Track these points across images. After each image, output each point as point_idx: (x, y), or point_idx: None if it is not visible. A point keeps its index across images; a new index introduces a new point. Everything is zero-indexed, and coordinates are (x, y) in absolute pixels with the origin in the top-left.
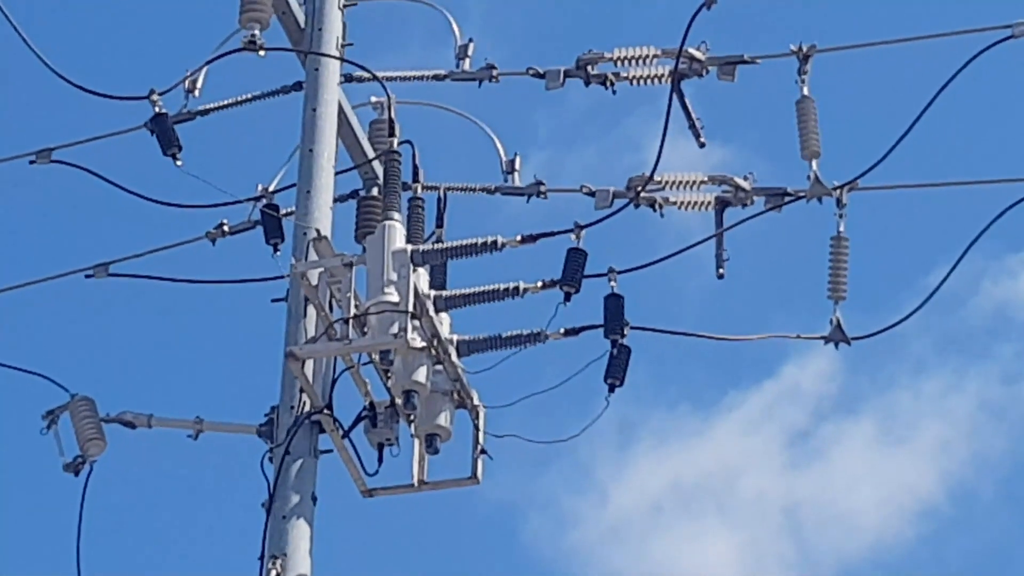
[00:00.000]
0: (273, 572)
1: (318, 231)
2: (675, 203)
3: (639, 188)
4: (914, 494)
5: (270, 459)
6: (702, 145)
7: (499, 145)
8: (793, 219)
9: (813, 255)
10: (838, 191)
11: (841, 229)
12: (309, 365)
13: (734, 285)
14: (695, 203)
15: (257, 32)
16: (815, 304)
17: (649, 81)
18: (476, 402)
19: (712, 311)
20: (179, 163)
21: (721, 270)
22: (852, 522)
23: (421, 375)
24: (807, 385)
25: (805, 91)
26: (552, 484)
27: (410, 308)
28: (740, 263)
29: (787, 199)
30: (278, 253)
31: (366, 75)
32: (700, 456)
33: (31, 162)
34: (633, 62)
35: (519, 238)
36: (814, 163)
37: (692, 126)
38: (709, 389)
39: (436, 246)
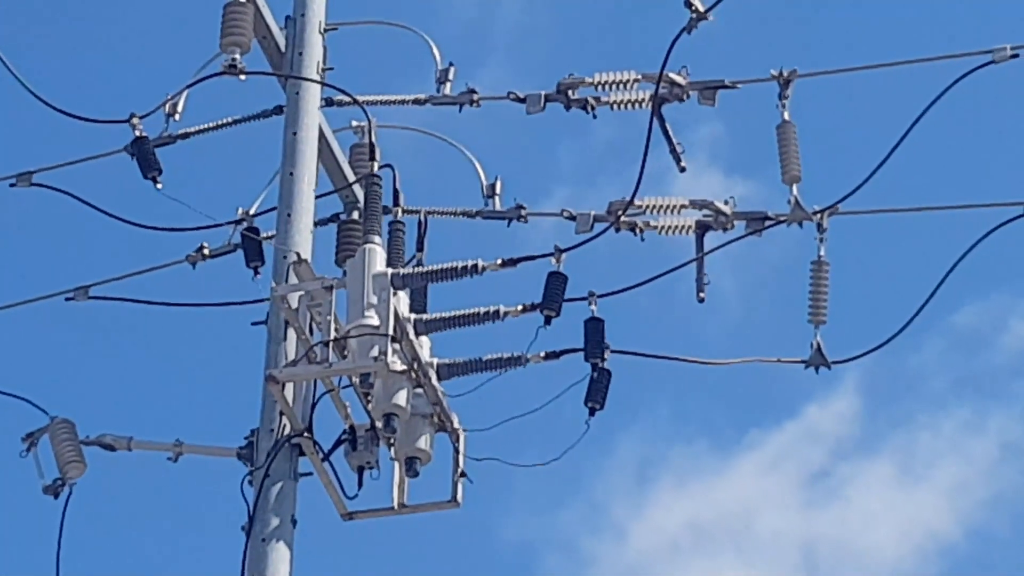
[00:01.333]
0: None
1: (298, 254)
2: (656, 227)
3: (620, 212)
4: (931, 533)
5: (250, 482)
6: (682, 170)
7: (480, 169)
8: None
9: (839, 280)
10: (818, 216)
11: (822, 254)
12: (289, 388)
13: (755, 313)
14: (676, 227)
15: (238, 56)
16: (839, 334)
17: (630, 106)
18: (456, 426)
19: (731, 340)
20: (159, 186)
21: (702, 294)
22: (869, 561)
23: (401, 398)
24: (827, 425)
25: (786, 116)
26: (569, 523)
27: (390, 331)
28: (765, 289)
29: (768, 223)
30: (258, 276)
31: (347, 99)
32: (719, 495)
33: (11, 185)
34: (614, 87)
35: (500, 262)
36: (794, 188)
37: (673, 151)
38: (729, 428)
39: (416, 269)
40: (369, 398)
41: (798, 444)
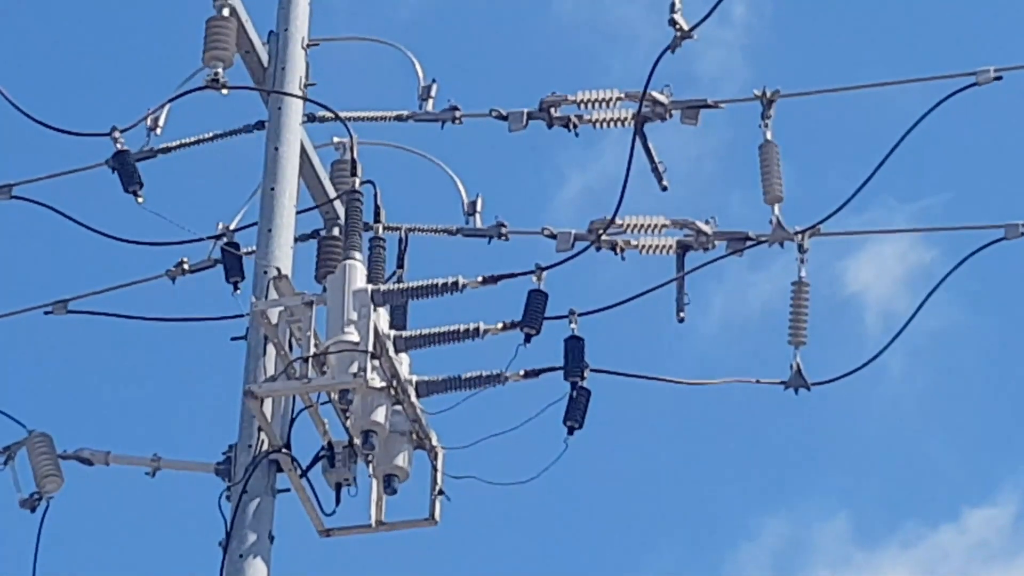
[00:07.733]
0: None
1: (279, 270)
2: (636, 246)
3: (600, 231)
4: None
5: (227, 498)
6: (664, 188)
7: (461, 186)
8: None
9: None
10: (799, 236)
11: (803, 274)
12: (268, 404)
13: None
14: (656, 247)
15: (220, 70)
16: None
17: (612, 124)
18: (435, 443)
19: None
20: (140, 200)
21: (682, 314)
22: None
23: (380, 415)
24: (982, 531)
25: (768, 136)
26: None
27: (370, 348)
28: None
29: (748, 243)
30: (238, 291)
31: (329, 115)
32: None
33: None
34: (596, 105)
35: (480, 279)
36: (776, 208)
37: (654, 170)
38: (880, 521)
39: (397, 286)
40: (348, 415)
41: (950, 547)
